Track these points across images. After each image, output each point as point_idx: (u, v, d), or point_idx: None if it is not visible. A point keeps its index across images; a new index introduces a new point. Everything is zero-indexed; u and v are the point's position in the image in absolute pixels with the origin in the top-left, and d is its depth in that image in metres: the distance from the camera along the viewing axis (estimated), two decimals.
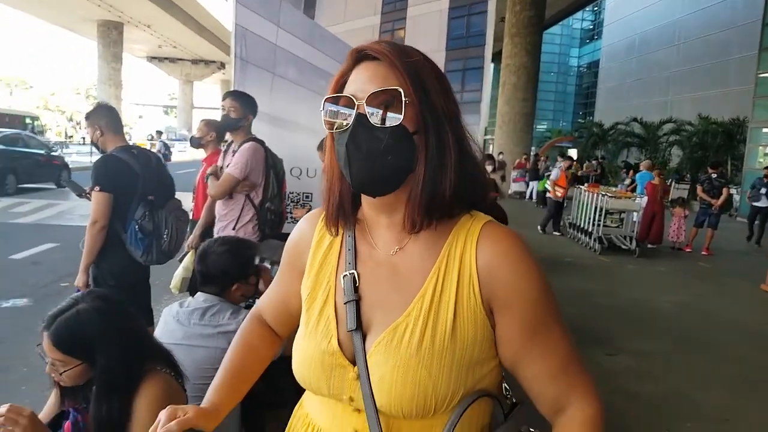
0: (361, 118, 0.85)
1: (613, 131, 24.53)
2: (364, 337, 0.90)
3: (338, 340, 0.92)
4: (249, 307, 2.18)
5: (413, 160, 0.86)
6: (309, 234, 1.04)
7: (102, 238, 2.93)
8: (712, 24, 22.59)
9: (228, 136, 3.76)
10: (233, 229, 3.56)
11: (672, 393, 3.92)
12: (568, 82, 52.22)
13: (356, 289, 0.93)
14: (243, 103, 3.49)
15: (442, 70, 0.91)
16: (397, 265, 0.93)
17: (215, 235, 3.69)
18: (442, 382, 0.86)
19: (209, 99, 57.20)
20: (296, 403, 1.07)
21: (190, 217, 3.79)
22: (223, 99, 3.56)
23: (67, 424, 1.52)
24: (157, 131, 23.75)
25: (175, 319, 2.00)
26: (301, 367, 0.96)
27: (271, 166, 3.59)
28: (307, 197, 4.17)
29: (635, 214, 9.74)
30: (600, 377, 4.16)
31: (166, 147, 21.01)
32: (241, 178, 3.44)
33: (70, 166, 15.75)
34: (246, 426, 2.04)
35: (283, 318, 1.13)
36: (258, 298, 2.30)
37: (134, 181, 2.99)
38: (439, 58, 3.84)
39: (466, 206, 0.92)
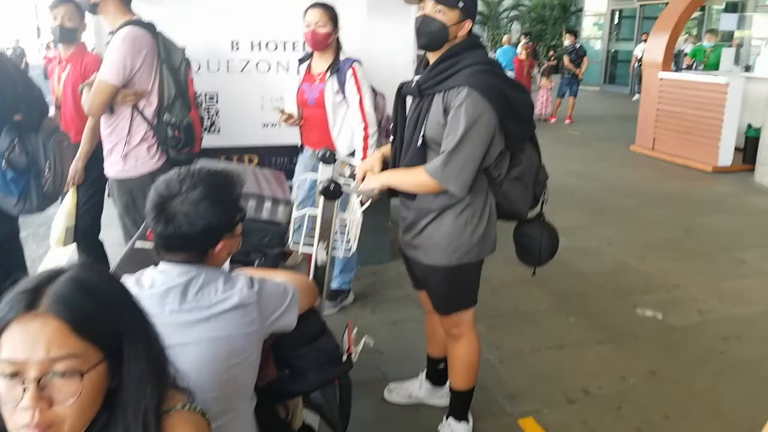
0: None
1: None
2: None
3: None
4: (245, 263, 1.48)
5: None
6: None
7: None
8: None
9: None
10: (121, 156, 2.61)
11: (618, 267, 3.97)
12: None
13: None
14: None
15: None
16: None
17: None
18: None
19: None
20: None
21: None
22: None
23: None
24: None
25: None
26: None
27: (164, 60, 2.63)
28: (211, 98, 3.24)
29: None
30: None
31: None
32: (118, 84, 2.48)
33: None
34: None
35: None
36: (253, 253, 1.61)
37: None
38: None
39: None
